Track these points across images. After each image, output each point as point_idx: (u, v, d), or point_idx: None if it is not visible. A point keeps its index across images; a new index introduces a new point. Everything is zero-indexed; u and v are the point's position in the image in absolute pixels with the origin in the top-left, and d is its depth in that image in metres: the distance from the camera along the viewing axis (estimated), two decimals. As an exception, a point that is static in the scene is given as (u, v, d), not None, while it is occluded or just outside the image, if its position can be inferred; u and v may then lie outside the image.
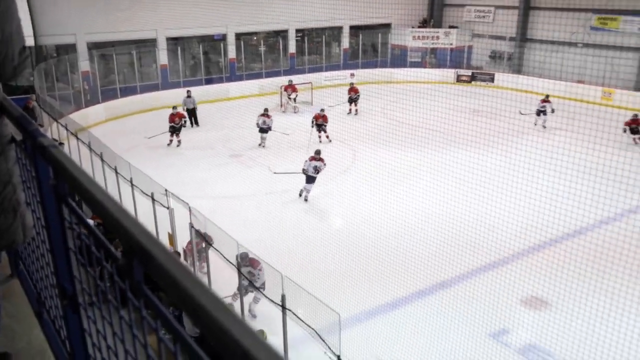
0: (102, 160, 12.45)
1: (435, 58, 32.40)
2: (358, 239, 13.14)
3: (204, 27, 27.18)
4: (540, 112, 21.93)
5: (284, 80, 26.20)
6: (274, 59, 30.27)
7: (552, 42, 27.85)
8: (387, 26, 32.37)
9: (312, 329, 7.85)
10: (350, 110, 24.19)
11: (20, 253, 2.95)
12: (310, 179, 15.04)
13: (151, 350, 1.16)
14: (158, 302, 1.02)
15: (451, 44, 31.72)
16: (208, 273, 10.13)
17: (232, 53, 28.49)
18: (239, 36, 28.60)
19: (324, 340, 7.48)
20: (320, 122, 19.94)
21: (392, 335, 9.49)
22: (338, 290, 10.33)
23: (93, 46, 24.76)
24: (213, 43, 28.50)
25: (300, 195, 15.34)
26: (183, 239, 10.75)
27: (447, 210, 13.92)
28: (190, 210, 9.83)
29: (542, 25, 28.20)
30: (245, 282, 9.25)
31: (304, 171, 15.06)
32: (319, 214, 14.53)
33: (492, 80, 29.67)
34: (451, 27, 32.64)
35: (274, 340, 8.23)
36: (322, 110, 20.37)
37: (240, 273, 8.74)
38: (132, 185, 11.26)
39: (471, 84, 30.12)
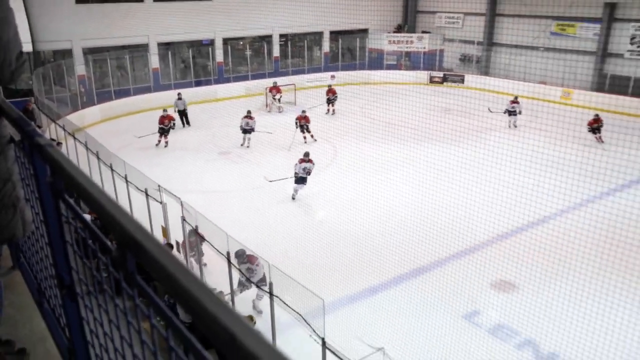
0: (98, 158, 12.33)
1: (409, 61, 32.49)
2: (340, 228, 13.16)
3: (193, 32, 27.04)
4: (511, 112, 21.76)
5: (268, 82, 26.11)
6: (259, 62, 30.15)
7: (517, 46, 28.07)
8: (364, 31, 32.39)
9: (298, 314, 7.85)
10: (328, 110, 24.02)
11: (21, 246, 2.94)
12: (301, 180, 14.74)
13: (145, 336, 1.15)
14: (150, 291, 1.01)
15: (424, 48, 31.82)
16: (200, 268, 10.10)
17: (219, 57, 28.33)
18: (226, 41, 28.46)
19: (309, 325, 7.48)
20: (302, 123, 19.63)
21: (372, 318, 9.52)
22: (322, 277, 10.34)
23: (88, 51, 24.51)
24: (202, 48, 28.33)
25: (293, 198, 14.89)
26: (176, 232, 10.68)
27: (422, 202, 13.98)
28: (182, 205, 9.77)
29: (507, 31, 28.45)
30: (243, 279, 9.12)
31: (296, 174, 14.70)
32: (304, 206, 14.51)
33: (462, 81, 29.84)
34: (424, 32, 32.73)
35: (263, 325, 8.25)
36: (304, 111, 20.00)
37: (230, 264, 8.67)
38: (126, 181, 11.17)
39: (443, 84, 30.26)
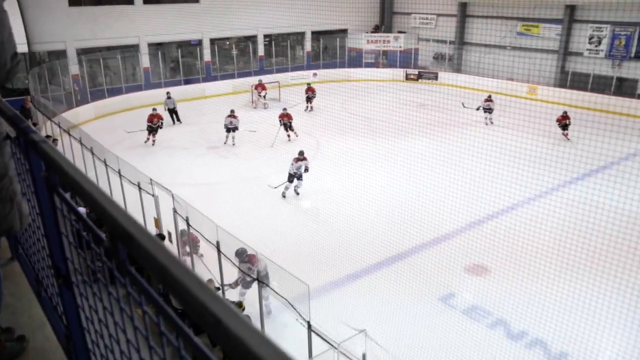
0: (93, 153, 12.18)
1: (386, 59, 32.51)
2: (323, 218, 13.20)
3: (182, 33, 26.81)
4: (486, 110, 21.44)
5: (254, 79, 25.97)
6: (245, 61, 29.96)
7: (486, 45, 28.25)
8: (344, 31, 32.32)
9: (285, 299, 7.86)
10: (307, 107, 23.77)
11: (19, 238, 2.91)
12: (299, 177, 14.34)
13: (138, 322, 1.14)
14: (141, 278, 1.00)
15: (400, 47, 31.86)
16: (192, 261, 10.05)
17: (207, 56, 28.12)
18: (213, 41, 28.25)
19: (295, 309, 7.50)
20: (285, 121, 19.17)
21: (355, 303, 9.57)
22: (307, 264, 10.36)
23: (81, 52, 24.19)
24: (190, 48, 28.08)
25: (284, 196, 14.42)
26: (167, 223, 10.59)
27: (399, 192, 14.07)
28: (173, 197, 9.70)
29: (477, 31, 28.63)
30: (241, 278, 8.84)
31: (295, 175, 14.26)
32: (289, 197, 14.48)
33: (436, 78, 29.95)
34: (400, 32, 32.76)
35: (254, 310, 8.23)
36: (285, 109, 19.55)
37: (220, 253, 8.64)
38: (120, 175, 11.05)
39: (418, 81, 30.34)
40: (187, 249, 10.21)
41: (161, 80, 26.71)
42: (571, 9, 25.32)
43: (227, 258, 8.79)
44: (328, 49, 32.46)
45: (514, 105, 20.51)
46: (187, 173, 16.19)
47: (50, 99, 21.30)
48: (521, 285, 10.04)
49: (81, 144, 12.90)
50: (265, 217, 13.15)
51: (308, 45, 31.86)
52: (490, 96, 21.75)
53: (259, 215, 13.23)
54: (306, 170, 14.28)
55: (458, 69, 30.06)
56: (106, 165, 11.53)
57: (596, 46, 24.72)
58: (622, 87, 23.77)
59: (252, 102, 25.05)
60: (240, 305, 8.13)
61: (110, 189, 11.24)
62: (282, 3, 25.23)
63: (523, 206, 13.52)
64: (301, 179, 14.35)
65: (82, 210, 2.76)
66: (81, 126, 17.49)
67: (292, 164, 14.27)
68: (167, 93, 22.03)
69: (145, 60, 26.18)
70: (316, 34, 31.74)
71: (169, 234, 10.59)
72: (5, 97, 2.46)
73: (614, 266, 10.14)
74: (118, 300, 1.24)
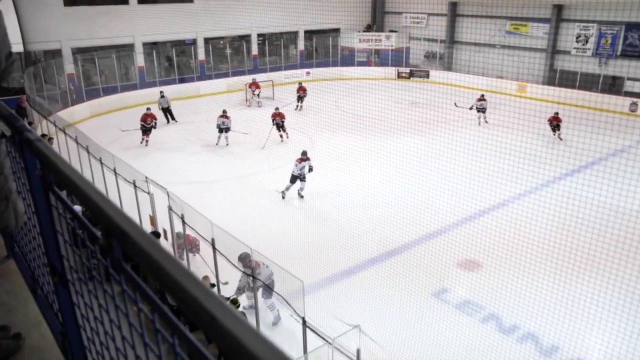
0: (88, 152, 12.09)
1: (378, 58, 32.54)
2: (317, 215, 13.19)
3: (176, 33, 26.69)
4: (479, 109, 21.14)
5: (248, 78, 25.92)
6: (239, 60, 29.88)
7: (476, 44, 28.33)
8: (336, 31, 32.29)
9: (280, 295, 7.85)
10: (297, 106, 23.56)
11: (14, 236, 2.89)
12: (302, 178, 13.94)
13: (133, 319, 1.13)
14: (136, 276, 0.99)
15: (392, 46, 31.88)
16: (187, 260, 10.01)
17: (201, 55, 28.03)
18: (207, 40, 28.16)
19: (290, 305, 7.50)
20: (277, 121, 18.74)
21: (349, 298, 9.57)
22: (301, 260, 10.36)
23: (77, 51, 24.04)
24: (184, 47, 27.97)
25: (283, 197, 14.00)
26: (163, 220, 10.54)
27: (392, 188, 14.07)
28: (168, 195, 9.65)
29: (467, 30, 28.70)
30: (244, 284, 8.62)
31: (298, 176, 13.80)
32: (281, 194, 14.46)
33: (428, 76, 29.99)
34: (391, 31, 32.77)
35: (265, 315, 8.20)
36: (277, 108, 19.12)
37: (215, 250, 8.62)
38: (115, 174, 10.98)
39: (410, 79, 30.37)
40: (185, 251, 10.14)
41: (156, 79, 26.61)
42: (559, 8, 25.42)
43: (222, 255, 8.77)
44: (322, 47, 32.42)
45: (504, 103, 20.59)
46: (182, 171, 16.13)
47: (45, 98, 21.16)
48: (513, 280, 10.08)
49: (77, 142, 12.82)
50: (260, 214, 13.13)
51: (301, 44, 31.81)
52: (483, 95, 21.54)
53: (253, 212, 13.20)
54: (310, 170, 13.81)
55: (449, 68, 30.11)
56: (102, 163, 11.46)
57: (583, 45, 24.84)
58: (616, 86, 23.87)
59: (246, 100, 25.00)
60: (235, 302, 8.10)
61: (106, 187, 11.17)
62: (276, 3, 25.18)
63: (514, 202, 13.58)
64: (304, 181, 13.91)
65: (77, 208, 2.74)
66: (77, 125, 17.38)
67: (296, 165, 13.77)
68: (161, 92, 21.87)
69: (140, 60, 26.06)
70: (309, 33, 31.69)
71: (165, 231, 10.54)
72: (1, 97, 2.44)
73: (602, 260, 10.20)
74: (113, 297, 1.23)
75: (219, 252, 8.68)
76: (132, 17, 24.82)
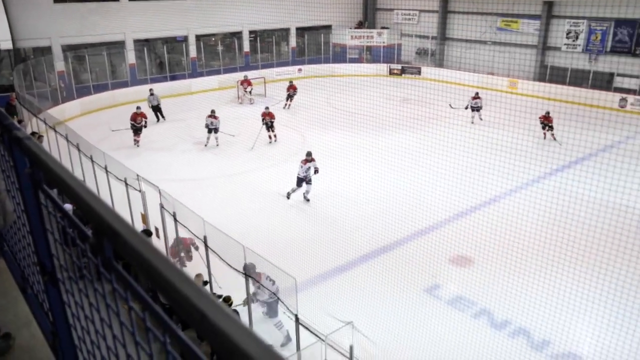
0: (79, 150, 12.00)
1: (370, 54, 32.54)
2: (309, 211, 13.19)
3: (167, 30, 26.54)
4: (474, 108, 20.86)
5: (240, 75, 25.79)
6: (231, 57, 29.77)
7: (467, 41, 28.41)
8: (328, 27, 32.25)
9: (273, 292, 7.84)
10: (285, 104, 23.25)
11: (4, 235, 2.86)
12: (309, 181, 13.51)
13: (124, 318, 1.12)
14: (126, 274, 0.98)
15: (383, 42, 31.89)
16: (180, 262, 9.96)
17: (193, 52, 27.89)
18: (198, 37, 28.02)
19: (283, 302, 7.49)
20: (267, 120, 18.26)
21: (341, 295, 9.58)
22: (293, 258, 10.35)
23: (67, 48, 23.81)
24: (176, 44, 27.81)
25: (307, 200, 13.66)
26: (155, 218, 10.49)
27: (384, 184, 14.09)
28: (160, 192, 9.61)
29: (458, 26, 28.77)
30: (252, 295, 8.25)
31: (304, 179, 13.40)
32: (274, 192, 14.43)
33: (419, 72, 30.04)
34: (383, 28, 32.78)
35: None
36: (267, 108, 18.60)
37: (207, 248, 8.59)
38: (107, 172, 10.91)
39: (401, 76, 30.40)
40: (183, 255, 10.07)
41: (147, 76, 26.46)
42: (549, 4, 25.54)
43: (214, 252, 8.74)
44: (313, 44, 32.37)
45: (495, 99, 20.65)
46: (174, 169, 16.06)
47: (35, 96, 20.98)
48: (504, 275, 10.13)
49: (67, 140, 12.72)
50: (252, 211, 13.11)
51: (293, 41, 31.75)
52: (477, 93, 21.30)
53: (245, 209, 13.17)
54: (316, 172, 13.33)
55: (440, 64, 30.17)
56: (92, 161, 11.38)
57: (574, 41, 24.98)
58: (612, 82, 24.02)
59: (238, 97, 24.92)
60: (227, 299, 8.08)
61: (97, 186, 11.10)
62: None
63: (505, 198, 13.64)
64: (310, 183, 13.52)
65: (68, 207, 2.71)
66: (67, 123, 17.25)
67: (301, 167, 13.36)
68: (150, 90, 21.61)
69: (131, 57, 25.89)
70: (301, 30, 31.64)
71: (157, 229, 10.50)
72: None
73: (592, 255, 10.29)
74: (104, 296, 1.22)
75: (212, 249, 8.66)
76: (122, 14, 24.65)
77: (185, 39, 27.65)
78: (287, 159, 16.75)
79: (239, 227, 11.33)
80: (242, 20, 28.09)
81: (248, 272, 7.80)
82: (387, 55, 31.55)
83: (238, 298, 8.32)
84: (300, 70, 30.04)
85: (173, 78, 27.10)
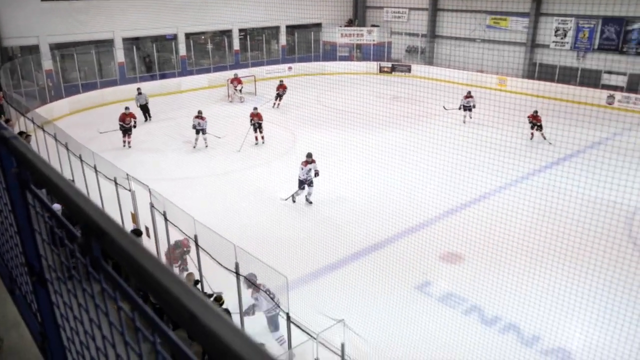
0: (68, 149, 11.89)
1: (360, 52, 32.55)
2: (299, 209, 13.18)
3: (157, 28, 26.39)
4: (465, 107, 20.50)
5: (230, 74, 25.72)
6: (221, 55, 29.66)
7: (457, 38, 28.50)
8: (318, 25, 32.23)
9: (264, 291, 7.82)
10: (274, 104, 23.07)
11: (-9, 236, 2.81)
12: (310, 183, 13.23)
13: (113, 318, 1.11)
14: (115, 274, 0.97)
15: (373, 40, 31.92)
16: (183, 265, 9.89)
17: (182, 51, 27.76)
18: (188, 36, 27.89)
19: (274, 301, 7.47)
20: (255, 121, 17.85)
21: (333, 293, 9.58)
22: (285, 256, 10.34)
23: (55, 47, 23.62)
24: (165, 42, 27.66)
25: (294, 201, 13.42)
26: (145, 218, 10.42)
27: (375, 182, 14.12)
28: (150, 192, 9.55)
29: (448, 24, 28.84)
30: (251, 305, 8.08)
31: (305, 181, 13.12)
32: (266, 190, 14.41)
33: (409, 70, 30.09)
34: (373, 25, 32.81)
35: (234, 303, 8.15)
36: (255, 108, 18.13)
37: (198, 247, 8.54)
38: (96, 171, 10.82)
39: (392, 74, 30.45)
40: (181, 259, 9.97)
41: (136, 75, 26.30)
42: (537, 2, 25.69)
43: (205, 252, 8.70)
44: (304, 42, 32.32)
45: (485, 96, 20.74)
46: (164, 168, 15.98)
47: (23, 95, 20.77)
48: (494, 271, 10.19)
49: (56, 139, 12.60)
50: (243, 210, 13.08)
51: (283, 39, 31.69)
52: (469, 92, 20.99)
53: (236, 208, 13.14)
54: (316, 174, 13.11)
55: (430, 62, 30.25)
56: (82, 160, 11.28)
57: (562, 38, 25.15)
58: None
59: (229, 96, 24.83)
60: (219, 299, 8.06)
61: (87, 185, 11.01)
62: (257, -3, 25.07)
63: (494, 195, 13.71)
64: (312, 185, 13.26)
65: (57, 207, 2.68)
66: (55, 122, 17.10)
67: (301, 169, 13.08)
68: (138, 89, 21.38)
69: (120, 55, 25.71)
70: (291, 28, 31.58)
71: (147, 229, 10.43)
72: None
73: (581, 251, 10.37)
74: (93, 296, 1.21)
75: (202, 248, 8.62)
76: (111, 12, 24.45)
77: (174, 37, 27.51)
78: (278, 157, 16.75)
79: (230, 225, 11.30)
80: (232, 18, 27.99)
81: (248, 284, 7.68)
82: (377, 53, 31.58)
83: (229, 297, 8.30)
84: (290, 68, 29.99)
85: (162, 76, 26.96)
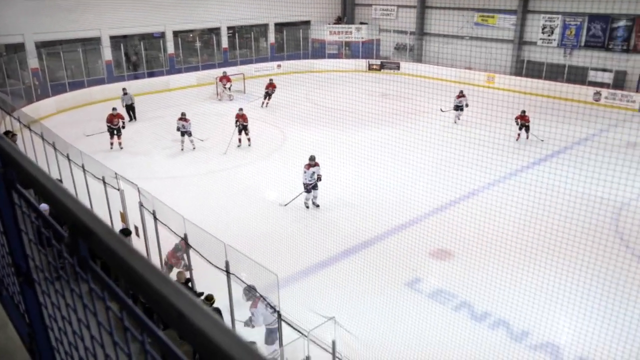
0: (55, 149, 11.77)
1: (349, 50, 32.57)
2: (290, 208, 13.16)
3: (144, 26, 26.16)
4: (458, 107, 20.16)
5: (218, 72, 25.60)
6: (209, 53, 29.52)
7: (445, 36, 28.61)
8: (307, 23, 32.19)
9: (254, 289, 7.79)
10: (263, 103, 22.82)
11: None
12: (314, 187, 12.93)
13: (101, 318, 1.10)
14: (103, 274, 0.96)
15: (362, 38, 31.95)
16: (186, 266, 9.81)
17: (171, 49, 27.58)
18: (176, 34, 27.71)
19: (265, 298, 7.46)
20: (240, 122, 17.35)
21: (323, 290, 9.59)
22: (275, 254, 10.33)
23: (41, 45, 23.33)
24: (153, 40, 27.45)
25: (307, 207, 13.09)
26: (134, 217, 10.36)
27: (365, 179, 14.14)
28: (139, 191, 9.48)
29: (436, 22, 28.96)
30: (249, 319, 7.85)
31: (308, 185, 12.87)
32: (255, 188, 14.37)
33: (398, 68, 30.16)
34: (362, 23, 32.83)
35: (225, 302, 8.12)
36: (241, 109, 17.62)
37: (188, 246, 8.51)
38: (84, 170, 10.73)
39: (380, 71, 30.50)
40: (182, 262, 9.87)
41: (124, 73, 26.10)
42: (524, 0, 25.86)
43: (196, 251, 8.66)
44: (292, 40, 32.26)
45: (473, 93, 20.86)
46: (153, 167, 15.89)
47: (8, 94, 20.53)
48: (484, 267, 10.26)
49: (43, 139, 12.47)
50: (232, 208, 13.04)
51: (272, 37, 31.61)
52: (462, 91, 20.54)
53: (225, 206, 13.10)
54: (319, 179, 12.85)
55: (419, 59, 30.33)
56: (69, 160, 11.18)
57: (549, 36, 25.35)
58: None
59: (217, 94, 24.74)
60: (209, 298, 8.03)
61: (75, 185, 10.92)
62: (245, -5, 24.98)
63: (483, 191, 13.80)
64: (317, 188, 12.96)
65: (44, 207, 2.65)
66: (42, 121, 16.91)
67: (305, 172, 12.81)
68: (123, 89, 21.07)
69: (107, 53, 25.48)
70: (279, 26, 31.51)
71: (136, 228, 10.36)
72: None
73: (569, 246, 10.46)
74: (81, 296, 1.20)
75: (192, 247, 8.58)
76: (97, 10, 24.18)
77: (162, 35, 27.32)
78: (267, 156, 16.73)
79: (220, 224, 11.27)
80: (220, 16, 27.87)
81: (247, 297, 7.55)
82: (366, 50, 31.62)
83: (220, 297, 8.27)
84: (279, 66, 29.95)
85: (150, 75, 26.76)
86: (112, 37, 25.50)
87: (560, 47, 24.97)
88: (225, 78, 24.40)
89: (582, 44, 24.25)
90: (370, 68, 30.92)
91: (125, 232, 9.33)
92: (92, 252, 1.02)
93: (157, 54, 27.70)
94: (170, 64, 27.66)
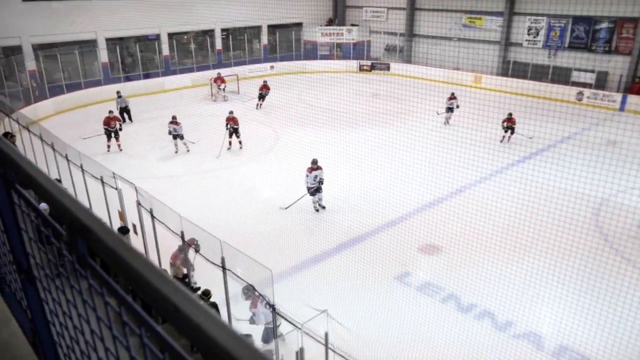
0: (54, 149, 11.71)
1: (340, 51, 32.56)
2: (283, 205, 13.16)
3: (140, 28, 26.02)
4: (449, 109, 19.66)
5: (213, 73, 25.53)
6: (203, 55, 29.41)
7: (434, 37, 28.68)
8: (299, 25, 32.15)
9: (250, 284, 7.81)
10: (257, 104, 22.60)
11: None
12: (317, 190, 12.67)
13: (101, 313, 1.12)
14: (101, 270, 0.98)
15: (353, 39, 31.96)
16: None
17: (165, 51, 27.45)
18: (171, 36, 27.57)
19: (260, 293, 7.47)
20: (230, 125, 16.98)
21: (316, 285, 9.62)
22: (270, 250, 10.35)
23: (38, 47, 23.11)
24: (148, 42, 27.31)
25: (317, 210, 12.81)
26: (133, 216, 10.32)
27: (355, 177, 14.17)
28: (136, 190, 9.46)
29: (426, 23, 29.03)
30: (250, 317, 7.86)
31: (310, 188, 12.62)
32: (249, 187, 14.37)
33: (388, 68, 30.20)
34: (352, 25, 32.84)
35: (222, 297, 8.12)
36: (231, 112, 17.17)
37: (184, 242, 8.51)
38: (82, 170, 10.68)
39: (371, 72, 30.53)
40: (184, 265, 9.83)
41: (120, 75, 25.95)
42: (511, 2, 25.96)
43: (194, 249, 8.67)
44: (285, 41, 32.22)
45: (461, 93, 20.93)
46: (150, 167, 15.83)
47: (7, 95, 20.35)
48: (470, 261, 10.34)
49: (41, 140, 12.40)
50: (228, 206, 13.03)
51: (265, 38, 31.55)
52: (453, 94, 20.01)
53: (221, 205, 13.09)
54: (321, 182, 12.58)
55: (408, 60, 30.40)
56: (68, 160, 11.12)
57: (534, 37, 25.48)
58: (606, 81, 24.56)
59: (212, 95, 24.66)
60: (207, 293, 8.03)
61: (73, 185, 10.87)
62: (238, -2, 24.90)
63: (470, 188, 13.87)
64: (320, 191, 12.73)
65: (44, 206, 2.66)
66: (40, 122, 16.80)
67: (307, 176, 12.57)
68: (118, 92, 20.82)
69: (103, 55, 25.32)
70: (272, 28, 31.45)
71: (134, 226, 10.34)
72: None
73: (551, 240, 10.56)
74: (81, 292, 1.21)
75: (188, 244, 8.58)
76: (93, 13, 24.04)
77: (157, 37, 27.19)
78: (262, 154, 16.70)
79: (216, 222, 11.26)
80: (214, 18, 27.78)
81: (246, 295, 7.54)
82: (357, 51, 31.64)
83: (217, 293, 8.28)
84: (272, 67, 29.91)
85: (146, 76, 26.63)
86: (108, 39, 25.35)
87: (545, 48, 25.11)
88: (219, 79, 24.33)
89: (566, 45, 24.40)
90: (361, 69, 30.94)
91: (123, 230, 9.31)
92: (90, 250, 1.04)
93: (152, 55, 27.57)
94: (166, 66, 27.54)
